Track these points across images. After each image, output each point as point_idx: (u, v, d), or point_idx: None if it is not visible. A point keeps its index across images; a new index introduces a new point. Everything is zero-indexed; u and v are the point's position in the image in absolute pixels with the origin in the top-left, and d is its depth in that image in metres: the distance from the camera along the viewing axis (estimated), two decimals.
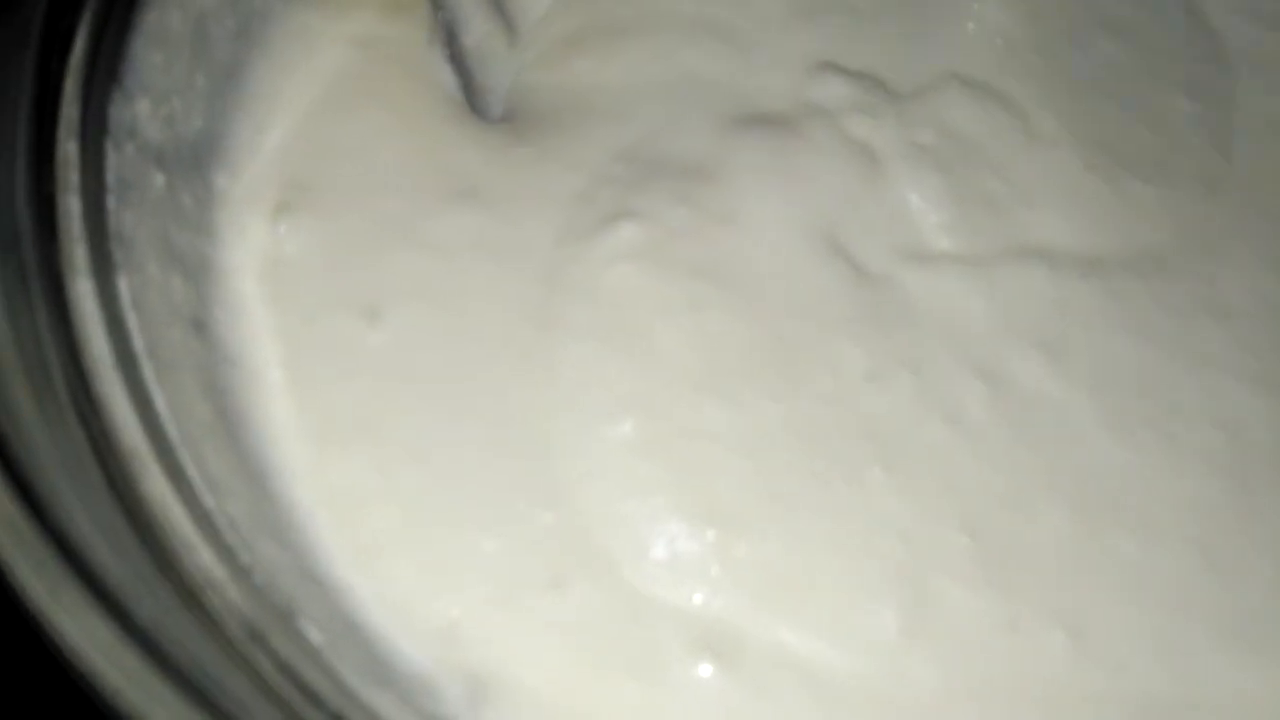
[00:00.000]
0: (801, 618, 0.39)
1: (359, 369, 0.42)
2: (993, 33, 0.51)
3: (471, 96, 0.50)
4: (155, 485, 0.34)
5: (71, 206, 0.37)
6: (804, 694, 0.39)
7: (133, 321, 0.37)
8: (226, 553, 0.34)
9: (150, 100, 0.43)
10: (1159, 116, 0.51)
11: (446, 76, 0.50)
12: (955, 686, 0.39)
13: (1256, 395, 0.45)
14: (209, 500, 0.35)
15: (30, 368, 0.32)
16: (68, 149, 0.38)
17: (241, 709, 0.30)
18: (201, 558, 0.33)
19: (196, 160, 0.45)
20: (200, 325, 0.42)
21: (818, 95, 0.49)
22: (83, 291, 0.36)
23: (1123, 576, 0.41)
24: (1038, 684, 0.40)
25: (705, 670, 0.38)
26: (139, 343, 0.37)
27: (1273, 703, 0.41)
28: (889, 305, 0.44)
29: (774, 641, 0.39)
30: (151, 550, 0.32)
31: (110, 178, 0.40)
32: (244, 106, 0.48)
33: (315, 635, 0.35)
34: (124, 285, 0.38)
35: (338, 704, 0.32)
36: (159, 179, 0.43)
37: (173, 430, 0.36)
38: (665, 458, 0.41)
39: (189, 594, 0.31)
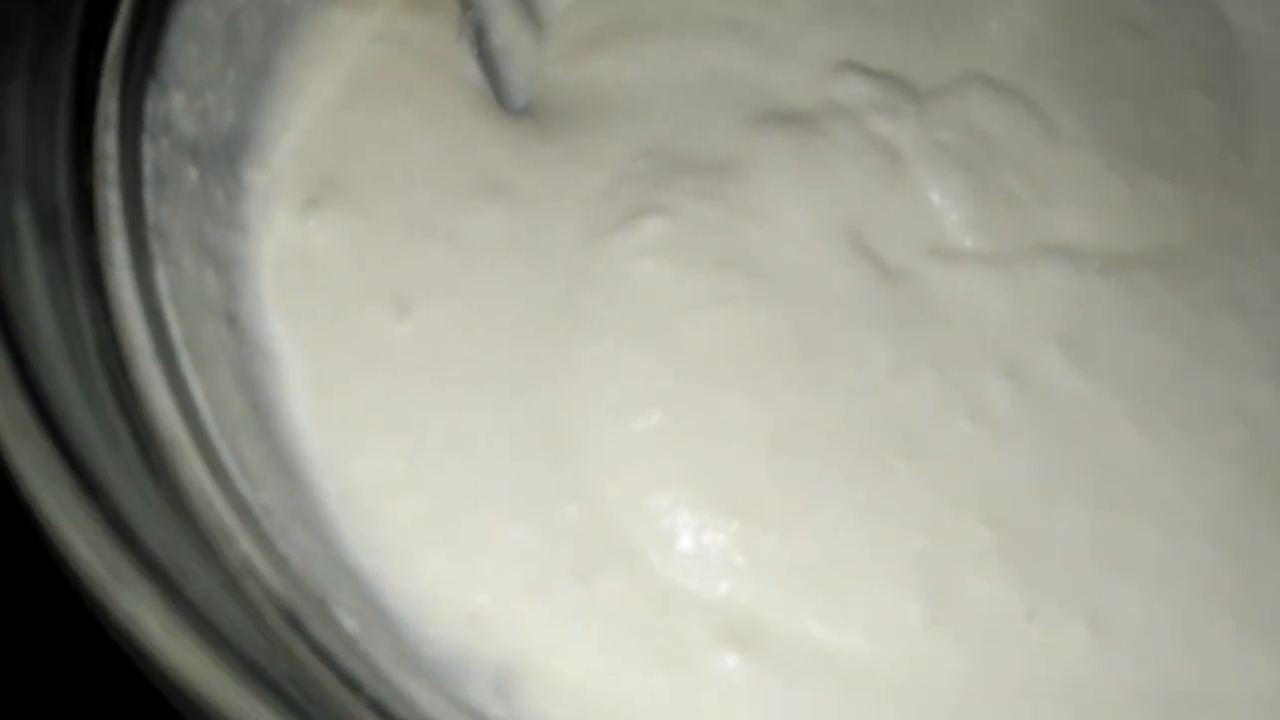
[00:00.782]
0: (827, 607, 0.40)
1: (386, 362, 0.43)
2: (1015, 33, 0.51)
3: (498, 92, 0.51)
4: (195, 473, 0.34)
5: (110, 200, 0.38)
6: (830, 682, 0.39)
7: (170, 313, 0.38)
8: (264, 541, 0.34)
9: (185, 94, 0.44)
10: (1178, 115, 0.52)
11: (473, 72, 0.50)
12: (980, 676, 0.40)
13: (1276, 390, 0.45)
14: (245, 489, 0.36)
15: (75, 357, 0.33)
16: (106, 142, 0.39)
17: (292, 689, 0.30)
18: (241, 545, 0.33)
19: (228, 154, 0.46)
20: (232, 318, 0.42)
21: (840, 94, 0.50)
22: (122, 283, 0.36)
23: (1145, 568, 0.42)
24: (1060, 674, 0.40)
25: (732, 659, 0.39)
26: (176, 334, 0.38)
27: None
28: (912, 301, 0.45)
29: (800, 631, 0.39)
30: (194, 537, 0.32)
31: (147, 171, 0.40)
32: (273, 101, 0.49)
33: (349, 623, 0.35)
34: (161, 278, 0.38)
35: (374, 690, 0.32)
36: (193, 173, 0.43)
37: (210, 420, 0.37)
38: (691, 450, 0.42)
39: (230, 580, 0.32)
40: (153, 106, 0.42)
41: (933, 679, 0.39)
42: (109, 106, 0.39)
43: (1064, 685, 0.40)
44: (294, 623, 0.32)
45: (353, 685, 0.32)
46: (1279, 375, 0.45)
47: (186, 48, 0.44)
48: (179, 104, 0.43)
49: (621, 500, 0.41)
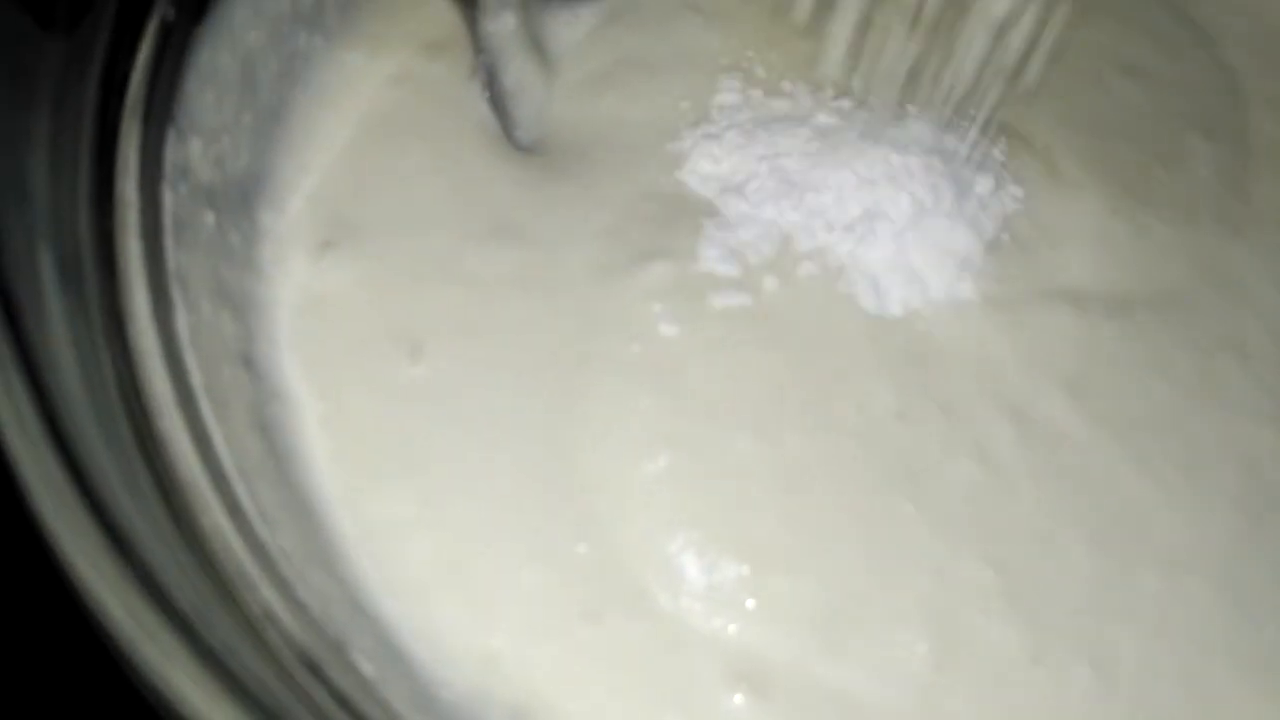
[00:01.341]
0: (836, 649, 0.40)
1: (399, 403, 0.43)
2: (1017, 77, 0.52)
3: (509, 130, 0.51)
4: (215, 519, 0.35)
5: (131, 247, 0.38)
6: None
7: (190, 359, 0.38)
8: (284, 586, 0.35)
9: (202, 140, 0.44)
10: (1179, 157, 0.52)
11: (484, 112, 0.51)
12: (985, 718, 0.40)
13: (1276, 434, 0.46)
14: (264, 533, 0.36)
15: (97, 405, 0.33)
16: (126, 189, 0.39)
17: None
18: (261, 592, 0.34)
19: (244, 199, 0.47)
20: (249, 361, 0.43)
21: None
22: (143, 331, 0.37)
23: (1146, 612, 0.42)
24: (1064, 716, 0.41)
25: (740, 700, 0.39)
26: (196, 380, 0.38)
27: None
28: (917, 344, 0.45)
29: (808, 673, 0.40)
30: (215, 584, 0.33)
31: (167, 218, 0.41)
32: (287, 145, 0.49)
33: (367, 667, 0.36)
34: (181, 324, 0.39)
35: None
36: (210, 218, 0.44)
37: (229, 465, 0.37)
38: (699, 493, 0.42)
39: (250, 627, 0.32)
40: (171, 153, 0.42)
41: None
42: (129, 153, 0.40)
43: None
44: (313, 668, 0.33)
45: None
46: (1277, 420, 0.46)
47: (204, 93, 0.45)
48: (196, 150, 0.44)
49: (631, 542, 0.41)
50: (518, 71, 0.52)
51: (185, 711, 0.27)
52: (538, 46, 0.53)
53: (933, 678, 0.40)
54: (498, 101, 0.52)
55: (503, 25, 0.52)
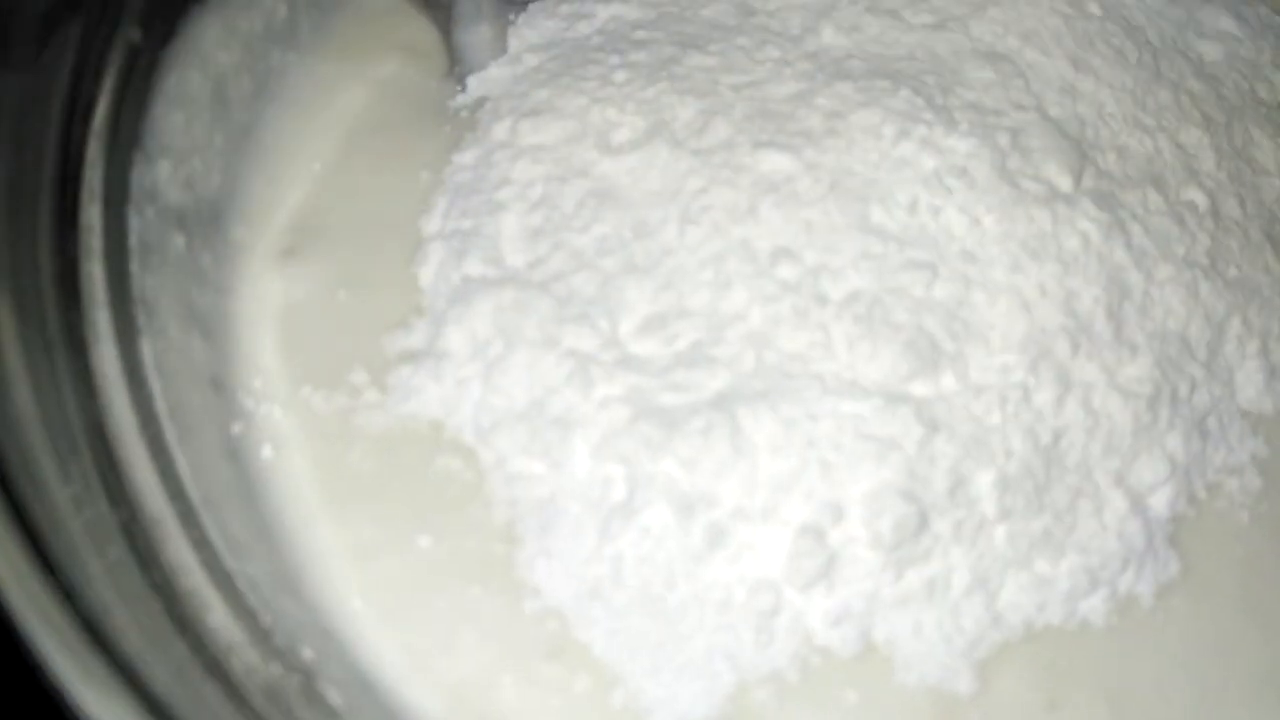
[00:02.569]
0: (825, 704, 0.39)
1: (365, 424, 0.43)
2: None
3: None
4: (178, 552, 0.34)
5: (94, 273, 0.38)
6: None
7: (155, 385, 0.38)
8: (248, 615, 0.35)
9: (171, 162, 0.44)
10: None
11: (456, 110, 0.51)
12: None
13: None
14: (230, 562, 0.36)
15: (55, 436, 0.33)
16: (90, 214, 0.39)
17: None
18: (224, 622, 0.33)
19: (215, 217, 0.46)
20: (219, 384, 0.43)
21: None
22: (106, 357, 0.37)
23: (1168, 640, 0.42)
24: None
25: None
26: (161, 406, 0.38)
27: None
28: None
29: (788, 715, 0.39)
30: (174, 617, 0.32)
31: (133, 242, 0.40)
32: (260, 159, 0.49)
33: (334, 696, 0.35)
34: (146, 349, 0.39)
35: None
36: (179, 240, 0.43)
37: (194, 494, 0.37)
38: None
39: (212, 660, 0.32)
40: (139, 176, 0.42)
41: None
42: (94, 178, 0.40)
43: None
44: (277, 701, 0.32)
45: None
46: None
47: (172, 115, 0.44)
48: (165, 172, 0.43)
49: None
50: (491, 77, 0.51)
51: None
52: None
53: None
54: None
55: (478, 36, 0.52)
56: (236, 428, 0.42)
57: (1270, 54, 0.54)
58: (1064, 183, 0.46)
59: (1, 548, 0.28)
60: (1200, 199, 0.48)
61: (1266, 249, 0.49)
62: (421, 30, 0.53)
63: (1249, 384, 0.46)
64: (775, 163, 0.45)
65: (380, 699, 0.37)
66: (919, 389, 0.41)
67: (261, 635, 0.34)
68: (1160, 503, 0.43)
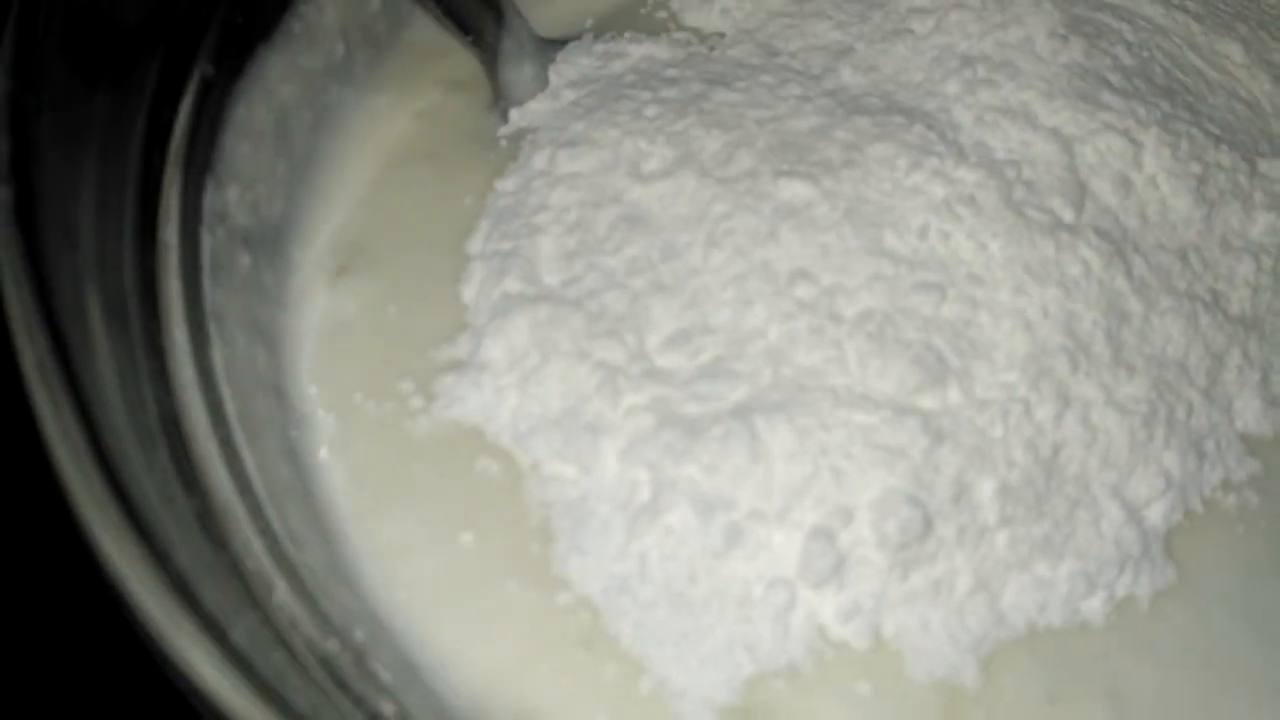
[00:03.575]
0: (838, 694, 0.42)
1: (411, 429, 0.46)
2: None
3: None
4: (247, 538, 0.38)
5: (172, 287, 0.42)
6: None
7: (225, 391, 0.42)
8: (308, 598, 0.38)
9: (239, 187, 0.48)
10: None
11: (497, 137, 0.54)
12: None
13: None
14: (291, 551, 0.39)
15: (140, 434, 0.36)
16: (168, 234, 0.43)
17: None
18: (286, 600, 0.37)
19: (278, 239, 0.50)
20: (280, 391, 0.46)
21: None
22: (183, 364, 0.40)
23: (1166, 644, 0.44)
24: None
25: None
26: (231, 410, 0.41)
27: None
28: None
29: (808, 713, 0.42)
30: (244, 593, 0.36)
31: (205, 259, 0.44)
32: (318, 186, 0.53)
33: (384, 674, 0.38)
34: (218, 358, 0.42)
35: None
36: (245, 259, 0.47)
37: (260, 489, 0.40)
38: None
39: (277, 633, 0.35)
40: (210, 200, 0.46)
41: None
42: (170, 201, 0.44)
43: None
44: (333, 672, 0.35)
45: None
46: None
47: (240, 145, 0.48)
48: (234, 196, 0.47)
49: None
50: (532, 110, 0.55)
51: (212, 703, 0.30)
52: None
53: None
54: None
55: (520, 73, 0.56)
56: (294, 432, 0.46)
57: (1271, 87, 0.57)
58: (1067, 214, 0.49)
59: (106, 516, 0.32)
60: (1205, 241, 0.51)
61: (1270, 288, 0.51)
62: (468, 66, 0.57)
63: (1248, 410, 0.49)
64: (795, 190, 0.48)
65: (425, 681, 0.40)
66: (926, 402, 0.44)
67: (320, 616, 0.38)
68: (1156, 515, 0.46)
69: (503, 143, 0.54)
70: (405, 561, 0.43)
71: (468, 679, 0.41)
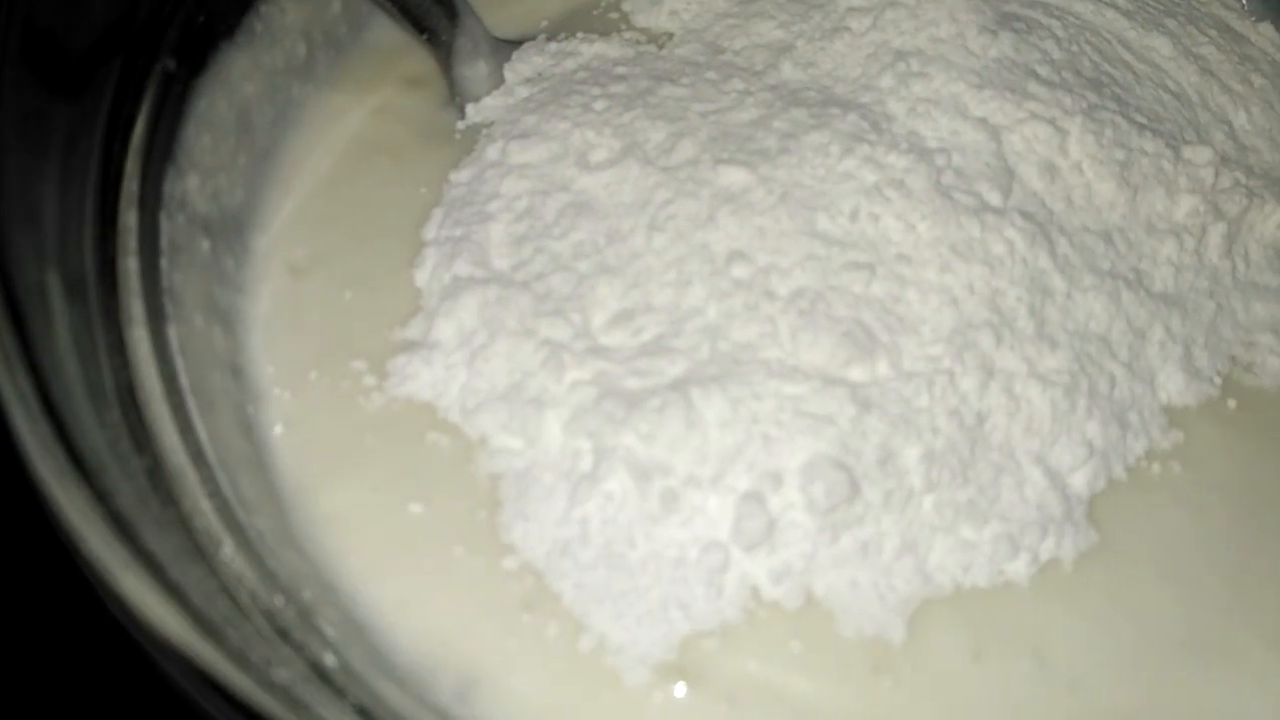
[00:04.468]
0: (770, 651, 0.43)
1: (364, 406, 0.48)
2: None
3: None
4: (196, 500, 0.40)
5: (130, 267, 0.44)
6: (774, 715, 0.43)
7: (180, 365, 0.44)
8: (255, 558, 0.40)
9: (199, 176, 0.50)
10: None
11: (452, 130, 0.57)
12: (923, 712, 0.43)
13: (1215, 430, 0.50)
14: (241, 515, 0.41)
15: (97, 402, 0.38)
16: (128, 218, 0.45)
17: (289, 687, 0.35)
18: (234, 562, 0.38)
19: (238, 227, 0.52)
20: (236, 369, 0.48)
21: None
22: (139, 339, 0.42)
23: (1092, 603, 0.46)
24: (1006, 707, 0.44)
25: (672, 689, 0.43)
26: (185, 382, 0.43)
27: (1224, 711, 0.45)
28: None
29: (740, 670, 0.43)
30: (192, 550, 0.37)
31: (164, 242, 0.46)
32: (279, 177, 0.55)
33: (329, 631, 0.40)
34: (173, 334, 0.44)
35: (350, 689, 0.37)
36: (205, 244, 0.49)
37: (212, 456, 0.42)
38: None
39: (223, 586, 0.37)
40: (170, 187, 0.48)
41: (881, 718, 0.43)
42: (131, 187, 0.46)
43: (1009, 717, 0.44)
44: (275, 624, 0.37)
45: (335, 687, 0.37)
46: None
47: (201, 137, 0.50)
48: (194, 185, 0.50)
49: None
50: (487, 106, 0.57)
51: (146, 628, 0.31)
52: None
53: (874, 680, 0.43)
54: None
55: (475, 70, 0.58)
56: (250, 407, 0.48)
57: (1199, 78, 0.59)
58: (994, 198, 0.51)
59: (52, 459, 0.33)
60: (1130, 224, 0.53)
61: (1193, 267, 0.53)
62: (427, 65, 0.59)
63: (1171, 383, 0.51)
64: (733, 177, 0.51)
65: (370, 640, 0.42)
66: (855, 374, 0.46)
67: (267, 574, 0.40)
68: (1079, 481, 0.48)
69: (459, 137, 0.57)
70: (355, 529, 0.45)
71: (413, 639, 0.43)
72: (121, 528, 0.33)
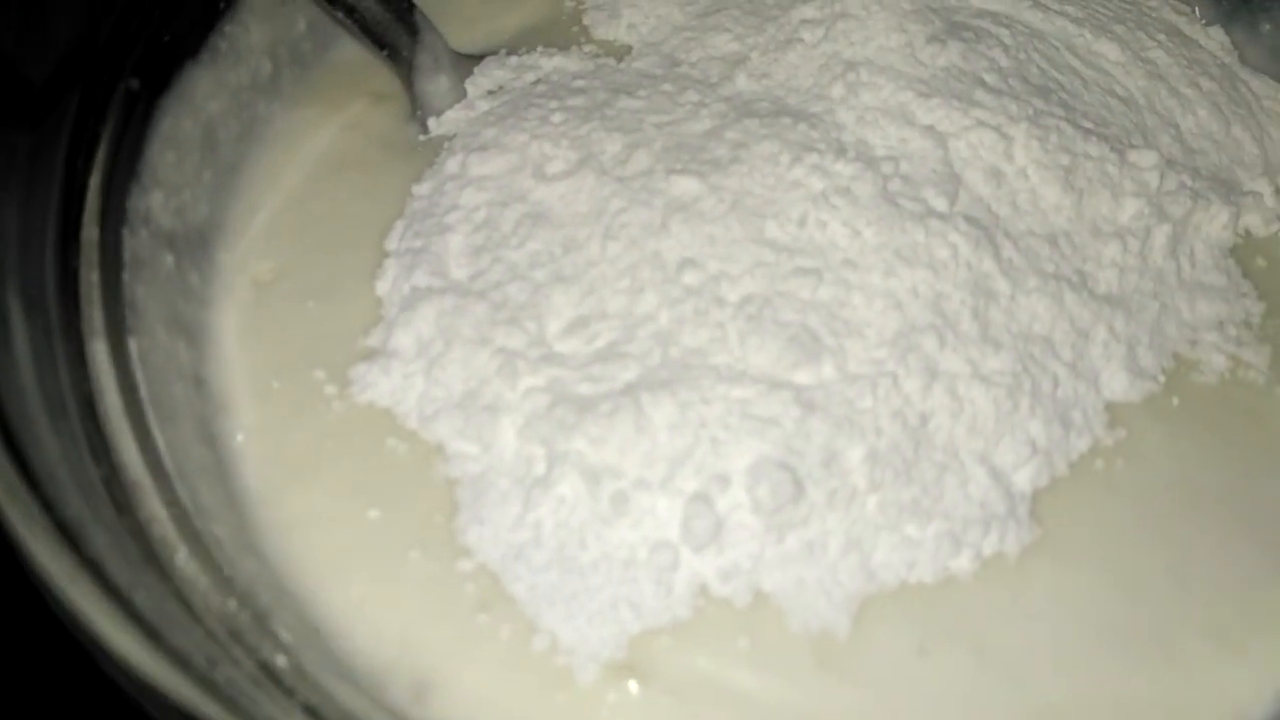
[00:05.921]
0: (719, 648, 0.44)
1: (325, 414, 0.49)
2: None
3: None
4: (154, 509, 0.41)
5: (92, 280, 0.45)
6: (723, 710, 0.44)
7: (140, 376, 0.45)
8: (211, 564, 0.41)
9: (163, 193, 0.51)
10: None
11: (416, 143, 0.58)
12: (868, 706, 0.44)
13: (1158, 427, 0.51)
14: (199, 523, 0.42)
15: (50, 403, 0.39)
16: (90, 233, 0.46)
17: (234, 692, 0.36)
18: (188, 567, 0.40)
19: (204, 243, 0.53)
20: (200, 381, 0.49)
21: None
22: (98, 350, 0.43)
23: (1033, 601, 0.47)
24: (949, 700, 0.45)
25: (623, 686, 0.44)
26: (145, 393, 0.44)
27: (1164, 703, 0.46)
28: None
29: (690, 666, 0.44)
30: (148, 558, 0.38)
31: (126, 257, 0.48)
32: (245, 193, 0.56)
33: (286, 636, 0.41)
34: (134, 346, 0.46)
35: (300, 689, 0.38)
36: (169, 259, 0.51)
37: (170, 465, 0.43)
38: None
39: (181, 597, 0.38)
40: (134, 203, 0.49)
41: (825, 711, 0.44)
42: (94, 203, 0.47)
43: (953, 710, 0.45)
44: (229, 626, 0.38)
45: (281, 684, 0.38)
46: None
47: (166, 154, 0.52)
48: (158, 201, 0.51)
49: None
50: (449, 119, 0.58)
51: (107, 648, 0.33)
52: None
53: (819, 675, 0.44)
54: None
55: (436, 85, 0.59)
56: (214, 418, 0.49)
57: (1146, 82, 0.60)
58: (939, 204, 0.52)
59: (4, 478, 0.35)
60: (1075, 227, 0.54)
61: (1137, 269, 0.55)
62: (391, 80, 0.60)
63: (1115, 382, 0.52)
64: (685, 186, 0.52)
65: (326, 642, 0.43)
66: (801, 377, 0.47)
67: (222, 580, 0.41)
68: (1023, 479, 0.49)
69: (422, 151, 0.58)
70: (313, 534, 0.46)
71: (369, 641, 0.44)
72: (66, 534, 0.34)
